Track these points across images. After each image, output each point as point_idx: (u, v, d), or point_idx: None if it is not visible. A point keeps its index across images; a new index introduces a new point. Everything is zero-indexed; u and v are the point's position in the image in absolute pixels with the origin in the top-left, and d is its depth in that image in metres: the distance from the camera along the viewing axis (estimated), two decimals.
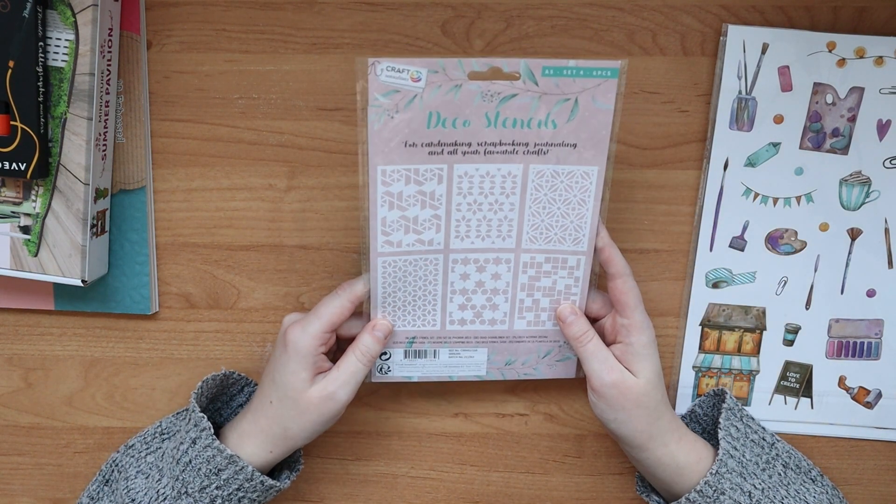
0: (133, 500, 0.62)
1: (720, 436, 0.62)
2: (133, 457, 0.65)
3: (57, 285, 0.67)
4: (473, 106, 0.55)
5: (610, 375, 0.59)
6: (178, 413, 0.67)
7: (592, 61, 0.54)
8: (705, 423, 0.68)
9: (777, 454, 0.65)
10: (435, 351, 0.64)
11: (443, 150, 0.56)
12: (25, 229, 0.62)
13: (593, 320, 0.63)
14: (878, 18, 0.63)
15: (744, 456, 0.62)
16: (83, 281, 0.62)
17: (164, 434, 0.66)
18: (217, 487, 0.60)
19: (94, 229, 0.63)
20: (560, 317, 0.62)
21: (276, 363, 0.60)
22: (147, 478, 0.63)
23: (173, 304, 0.68)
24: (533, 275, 0.61)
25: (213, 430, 0.60)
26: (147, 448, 0.65)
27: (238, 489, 0.60)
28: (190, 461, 0.60)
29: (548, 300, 0.62)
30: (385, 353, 0.63)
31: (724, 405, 0.64)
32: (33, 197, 0.62)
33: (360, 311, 0.62)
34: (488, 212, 0.59)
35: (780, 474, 0.64)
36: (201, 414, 0.60)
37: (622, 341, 0.60)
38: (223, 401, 0.68)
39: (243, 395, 0.68)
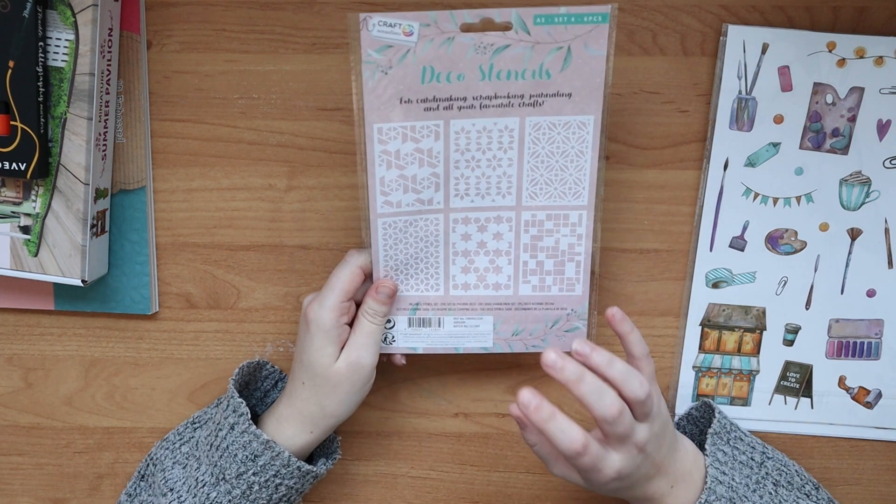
0: (171, 490, 0.62)
1: (708, 462, 0.60)
2: (168, 449, 0.65)
3: (57, 285, 0.67)
4: (467, 59, 0.55)
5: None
6: (210, 404, 0.67)
7: (582, 7, 0.54)
8: (702, 425, 0.67)
9: (767, 473, 0.64)
10: (440, 319, 0.63)
11: (438, 106, 0.56)
12: (25, 229, 0.62)
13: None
14: (878, 18, 0.63)
15: (733, 479, 0.61)
16: (83, 281, 0.62)
17: (195, 423, 0.66)
18: (254, 474, 0.60)
19: (94, 229, 0.63)
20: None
21: (302, 344, 0.60)
22: (184, 467, 0.63)
23: (173, 304, 0.68)
24: (535, 234, 0.61)
25: (250, 416, 0.60)
26: (181, 439, 0.66)
27: (275, 475, 0.60)
28: (227, 447, 0.60)
29: (552, 262, 0.62)
30: (389, 321, 0.63)
31: (710, 430, 0.63)
32: (33, 197, 0.62)
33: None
34: (487, 168, 0.59)
35: (770, 493, 0.63)
36: (240, 399, 0.60)
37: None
38: (257, 397, 0.68)
39: (276, 391, 0.68)
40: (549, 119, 0.57)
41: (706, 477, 0.60)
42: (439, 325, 0.63)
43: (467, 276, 0.62)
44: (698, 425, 0.68)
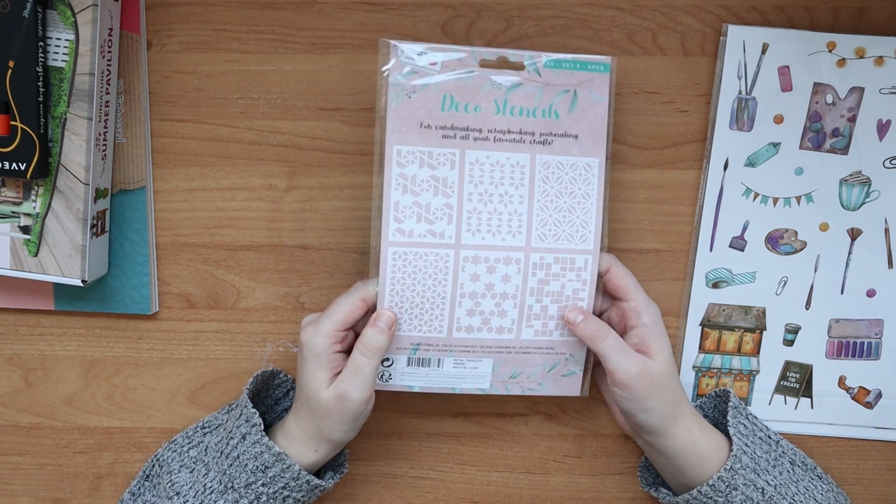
0: (178, 494, 0.62)
1: (731, 432, 0.62)
2: (175, 451, 0.65)
3: (57, 285, 0.67)
4: (484, 92, 0.59)
5: (636, 366, 0.59)
6: (220, 409, 0.67)
7: (586, 56, 0.59)
8: (711, 421, 0.67)
9: (783, 451, 0.65)
10: (439, 360, 0.63)
11: (455, 135, 0.59)
12: (25, 229, 0.62)
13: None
14: (878, 18, 0.63)
15: (755, 452, 0.62)
16: (83, 281, 0.62)
17: (205, 428, 0.66)
18: (263, 484, 0.60)
19: (94, 229, 0.63)
20: (570, 320, 0.61)
21: (299, 366, 0.61)
22: (192, 472, 0.63)
23: (173, 304, 0.68)
24: (542, 277, 0.61)
25: (262, 427, 0.60)
26: (189, 442, 0.66)
27: (284, 487, 0.60)
28: (238, 456, 0.60)
29: (556, 307, 0.62)
30: (388, 360, 0.63)
31: (730, 403, 0.64)
32: (33, 197, 0.62)
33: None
34: (499, 203, 0.60)
35: (788, 471, 0.64)
36: (254, 409, 0.60)
37: (634, 325, 0.60)
38: (268, 404, 0.68)
39: (287, 400, 0.68)
40: (557, 158, 0.60)
41: (731, 446, 0.61)
42: (438, 366, 0.63)
43: (472, 318, 0.62)
44: (708, 416, 0.68)
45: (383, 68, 0.57)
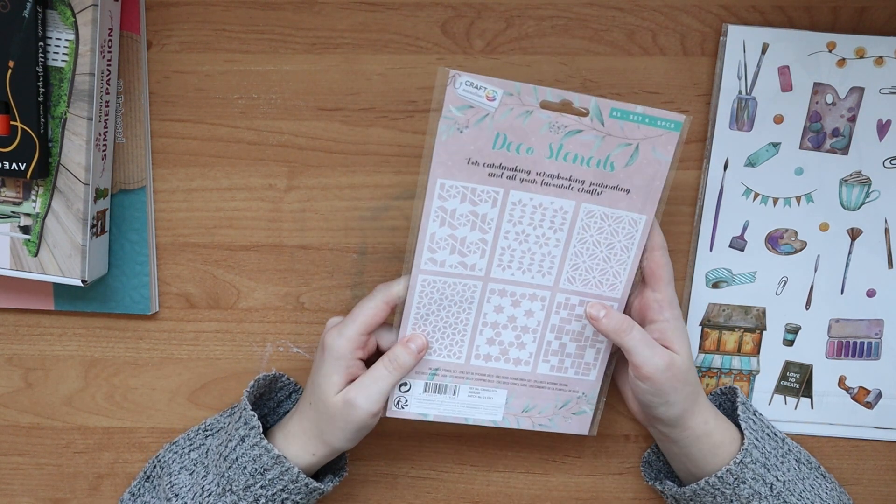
0: (176, 496, 0.62)
1: (742, 427, 0.62)
2: (176, 453, 0.65)
3: (57, 285, 0.67)
4: (540, 134, 0.56)
5: (662, 359, 0.59)
6: (223, 412, 0.67)
7: (658, 111, 0.56)
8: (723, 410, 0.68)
9: (789, 449, 0.65)
10: (455, 387, 0.63)
11: (502, 174, 0.57)
12: (25, 229, 0.62)
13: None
14: (878, 18, 0.63)
15: (765, 447, 0.63)
16: (83, 281, 0.62)
17: (207, 431, 0.66)
18: (262, 487, 0.60)
19: (94, 229, 0.63)
20: (592, 316, 0.60)
21: (316, 366, 0.61)
22: (191, 474, 0.63)
23: (173, 304, 0.68)
24: (564, 317, 0.62)
25: (261, 429, 0.60)
26: (191, 444, 0.66)
27: (282, 490, 0.60)
28: (236, 459, 0.60)
29: (574, 346, 0.62)
30: (405, 384, 0.62)
31: (739, 399, 0.64)
32: (33, 197, 0.62)
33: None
34: (534, 244, 0.59)
35: (794, 469, 0.64)
36: (252, 412, 0.61)
37: (656, 319, 0.60)
38: (270, 406, 0.68)
39: (290, 402, 0.68)
40: (603, 210, 0.59)
41: (742, 439, 0.61)
42: (454, 393, 0.63)
43: (491, 347, 0.62)
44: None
45: (439, 98, 0.55)
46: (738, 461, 0.60)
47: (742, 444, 0.61)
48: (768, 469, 0.61)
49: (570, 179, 0.58)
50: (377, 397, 0.59)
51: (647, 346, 0.59)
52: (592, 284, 0.61)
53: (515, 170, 0.57)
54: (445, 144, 0.56)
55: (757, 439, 0.62)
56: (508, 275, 0.60)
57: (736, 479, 0.60)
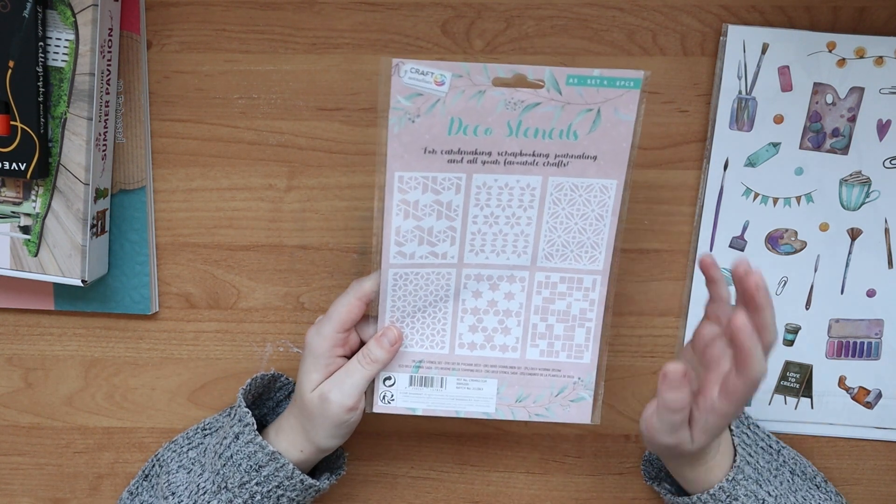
0: (173, 494, 0.62)
1: (735, 443, 0.61)
2: (175, 451, 0.65)
3: (57, 285, 0.67)
4: (496, 113, 0.55)
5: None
6: (221, 412, 0.67)
7: (616, 70, 0.54)
8: None
9: (784, 461, 0.65)
10: (442, 379, 0.62)
11: (462, 159, 0.56)
12: (25, 229, 0.62)
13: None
14: (878, 18, 0.63)
15: (758, 462, 0.62)
16: (83, 281, 0.62)
17: (206, 430, 0.66)
18: (257, 483, 0.60)
19: (94, 229, 0.63)
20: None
21: (300, 365, 0.61)
22: (189, 472, 0.63)
23: (173, 304, 0.68)
24: (547, 296, 0.60)
25: (256, 426, 0.60)
26: (189, 443, 0.66)
27: (277, 486, 0.60)
28: (231, 456, 0.60)
29: (562, 326, 0.61)
30: (390, 378, 0.62)
31: None
32: (33, 197, 0.62)
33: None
34: (504, 225, 0.58)
35: (788, 481, 0.64)
36: (246, 409, 0.61)
37: (709, 410, 0.54)
38: (269, 406, 0.68)
39: (289, 402, 0.68)
40: (572, 181, 0.57)
41: (734, 456, 0.61)
42: (441, 386, 0.62)
43: (474, 335, 0.61)
44: None
45: (385, 90, 0.53)
46: (730, 478, 0.59)
47: (734, 461, 0.61)
48: (760, 485, 0.61)
49: (533, 155, 0.56)
50: (350, 391, 0.59)
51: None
52: (571, 259, 0.59)
53: (475, 153, 0.56)
54: (398, 136, 0.54)
55: (750, 454, 0.62)
56: (482, 259, 0.59)
57: (728, 496, 0.59)
